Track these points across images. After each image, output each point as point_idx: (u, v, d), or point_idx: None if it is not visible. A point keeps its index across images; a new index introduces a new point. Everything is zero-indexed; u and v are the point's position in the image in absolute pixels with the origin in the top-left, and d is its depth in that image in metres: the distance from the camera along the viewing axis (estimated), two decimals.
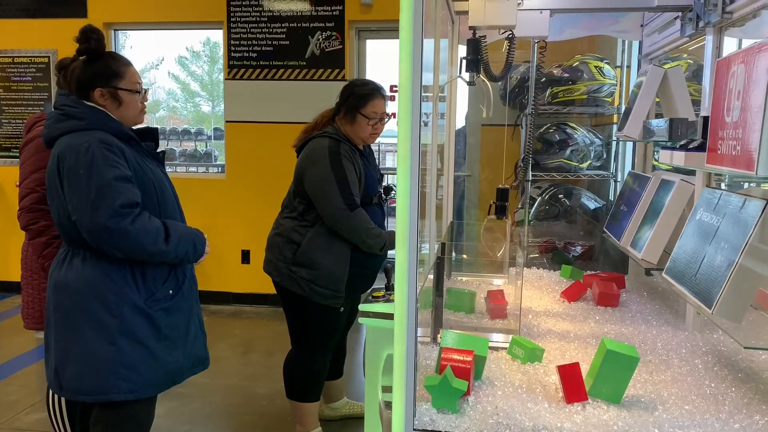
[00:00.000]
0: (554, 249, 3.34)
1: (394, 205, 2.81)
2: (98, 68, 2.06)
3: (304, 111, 4.29)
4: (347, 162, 2.65)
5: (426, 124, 2.08)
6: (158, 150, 2.24)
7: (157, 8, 4.74)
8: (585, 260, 3.25)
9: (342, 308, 2.35)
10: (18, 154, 5.10)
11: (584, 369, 1.48)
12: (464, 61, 1.86)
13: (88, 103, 2.05)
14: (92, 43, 2.05)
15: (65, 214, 2.01)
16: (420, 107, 1.19)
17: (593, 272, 2.55)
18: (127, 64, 2.12)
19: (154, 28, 5.01)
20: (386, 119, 2.85)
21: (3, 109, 5.12)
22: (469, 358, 1.43)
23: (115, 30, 5.02)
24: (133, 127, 2.16)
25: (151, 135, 2.23)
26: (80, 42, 2.06)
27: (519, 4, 1.80)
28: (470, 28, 1.89)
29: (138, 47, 5.47)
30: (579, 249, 3.32)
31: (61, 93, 2.19)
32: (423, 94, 1.23)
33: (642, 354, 1.70)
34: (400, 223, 1.19)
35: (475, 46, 1.85)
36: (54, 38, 4.89)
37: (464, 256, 3.15)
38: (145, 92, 2.16)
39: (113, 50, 2.66)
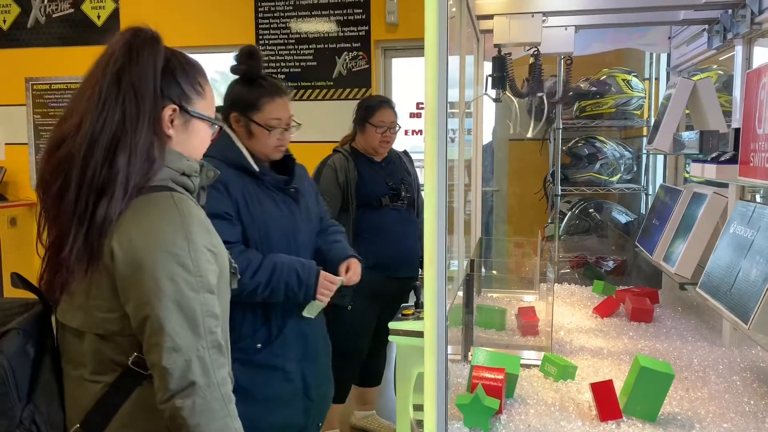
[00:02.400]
0: (586, 264, 3.30)
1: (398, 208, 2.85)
2: (240, 92, 1.94)
3: (332, 130, 4.32)
4: (329, 171, 2.81)
5: (453, 140, 2.09)
6: (291, 185, 1.99)
7: (189, 33, 4.84)
8: (617, 275, 3.20)
9: (349, 306, 2.18)
10: None
11: (618, 386, 1.46)
12: (490, 79, 1.87)
13: (225, 127, 1.93)
14: (244, 66, 1.93)
15: None
16: (446, 125, 1.20)
17: (626, 287, 2.52)
18: (271, 95, 1.92)
19: (186, 53, 5.10)
20: (396, 129, 2.94)
21: (41, 134, 5.27)
22: (500, 376, 1.42)
23: None
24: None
25: (285, 166, 2.02)
26: (237, 61, 1.95)
27: (544, 21, 1.81)
28: (495, 45, 1.89)
29: None
30: (611, 264, 3.28)
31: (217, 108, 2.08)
32: (449, 111, 1.23)
33: (677, 370, 1.67)
34: (428, 240, 1.20)
35: (500, 63, 1.86)
36: (89, 65, 5.03)
37: (494, 272, 3.14)
38: (285, 131, 1.94)
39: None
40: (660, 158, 3.35)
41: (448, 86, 1.23)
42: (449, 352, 1.90)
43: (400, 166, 3.02)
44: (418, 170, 3.16)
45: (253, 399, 1.80)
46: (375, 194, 2.87)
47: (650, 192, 3.59)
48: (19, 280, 1.29)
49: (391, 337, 1.78)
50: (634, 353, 1.83)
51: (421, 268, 3.12)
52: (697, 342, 1.94)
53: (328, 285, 1.90)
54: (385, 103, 2.95)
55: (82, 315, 1.18)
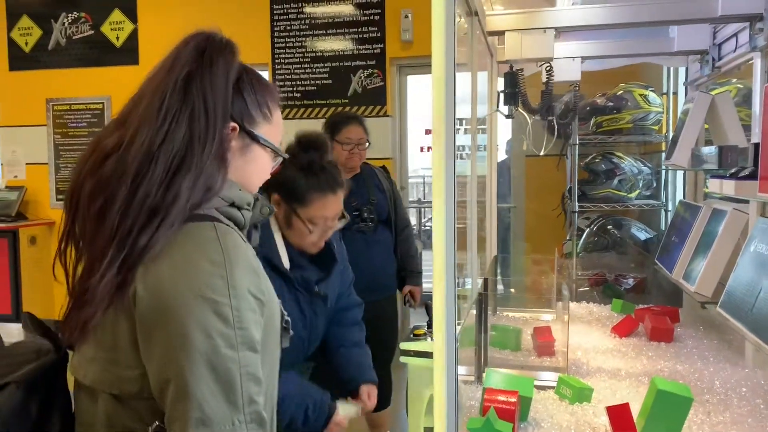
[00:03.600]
0: (604, 282, 3.24)
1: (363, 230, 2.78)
2: (290, 177, 1.71)
3: None
4: None
5: (463, 157, 2.06)
6: (321, 289, 1.80)
7: None
8: (637, 293, 3.13)
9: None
10: None
11: (636, 409, 1.41)
12: (502, 95, 1.84)
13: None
14: (308, 157, 1.72)
15: None
16: (454, 141, 1.18)
17: (645, 306, 2.46)
18: (323, 191, 1.70)
19: None
20: (366, 145, 2.89)
21: (60, 154, 5.34)
22: (513, 399, 1.39)
23: None
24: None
25: (327, 261, 1.81)
26: (300, 145, 1.75)
27: (556, 36, 1.79)
28: (507, 61, 1.87)
29: None
30: (631, 281, 3.21)
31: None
32: (461, 127, 1.21)
33: (698, 393, 1.61)
34: (437, 258, 1.17)
35: (512, 79, 1.84)
36: (108, 86, 5.09)
37: (512, 290, 3.09)
38: (328, 228, 1.75)
39: None
40: (680, 174, 3.29)
41: (458, 102, 1.22)
42: (462, 373, 1.87)
43: (370, 184, 2.95)
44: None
45: None
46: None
47: (670, 208, 3.53)
48: (30, 322, 1.10)
49: (402, 358, 1.75)
50: (653, 374, 1.78)
51: (401, 284, 3.10)
52: (719, 363, 1.88)
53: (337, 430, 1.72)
54: (353, 119, 2.89)
55: (96, 370, 0.98)
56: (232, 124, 1.04)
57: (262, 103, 1.10)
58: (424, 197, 10.14)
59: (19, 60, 5.30)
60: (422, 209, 9.08)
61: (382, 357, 2.99)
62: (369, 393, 1.86)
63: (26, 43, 5.28)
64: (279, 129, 1.15)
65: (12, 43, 5.29)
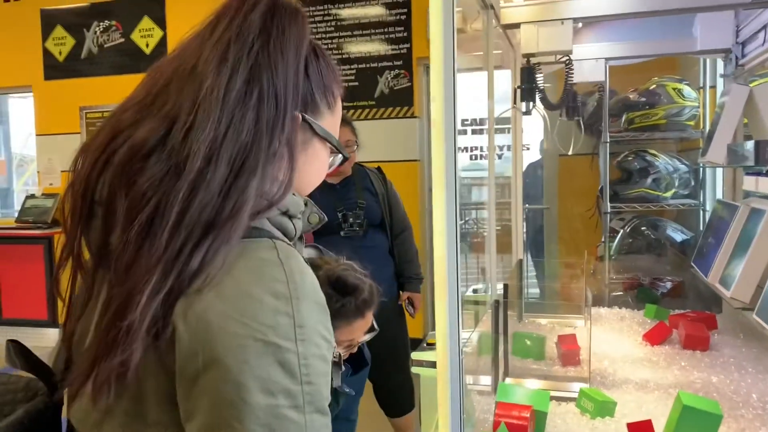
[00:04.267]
0: (639, 286, 3.10)
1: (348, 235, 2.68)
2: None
3: (375, 150, 4.28)
4: None
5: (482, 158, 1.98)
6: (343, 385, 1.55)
7: None
8: (674, 298, 2.99)
9: None
10: None
11: (662, 425, 1.31)
12: (518, 91, 1.76)
13: None
14: (343, 301, 1.47)
15: None
16: (455, 142, 1.11)
17: (681, 311, 2.33)
18: (348, 319, 1.48)
19: None
20: (354, 147, 2.80)
21: None
22: (526, 414, 1.30)
23: None
24: None
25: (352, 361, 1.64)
26: (335, 288, 1.46)
27: (576, 26, 1.69)
28: (524, 55, 1.79)
29: None
30: (668, 285, 3.06)
31: None
32: (479, 127, 1.14)
33: (733, 407, 1.50)
34: (437, 264, 1.10)
35: (529, 74, 1.75)
36: None
37: (528, 296, 2.98)
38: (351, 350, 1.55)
39: None
40: (718, 171, 3.13)
41: (476, 101, 1.14)
42: (480, 383, 1.78)
43: (360, 187, 2.86)
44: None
45: None
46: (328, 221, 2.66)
47: (708, 208, 3.37)
48: (16, 352, 0.87)
49: (413, 369, 1.67)
50: (685, 386, 1.67)
51: (401, 289, 2.99)
52: (758, 374, 1.74)
53: None
54: (341, 120, 2.80)
55: (113, 425, 0.74)
56: (296, 113, 0.82)
57: (328, 88, 0.88)
58: (460, 199, 10.04)
59: (53, 69, 5.41)
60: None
61: (397, 360, 2.90)
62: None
63: (60, 53, 5.39)
64: (339, 120, 0.94)
65: (47, 53, 5.41)
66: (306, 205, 0.92)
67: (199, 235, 0.71)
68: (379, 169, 3.04)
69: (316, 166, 0.90)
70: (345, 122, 2.78)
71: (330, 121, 0.90)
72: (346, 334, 1.49)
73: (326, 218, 1.02)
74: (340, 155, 0.94)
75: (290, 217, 0.85)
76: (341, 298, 1.46)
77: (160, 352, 0.70)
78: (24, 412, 0.82)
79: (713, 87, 3.23)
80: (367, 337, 1.55)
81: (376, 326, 1.55)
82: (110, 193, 0.74)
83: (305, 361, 0.70)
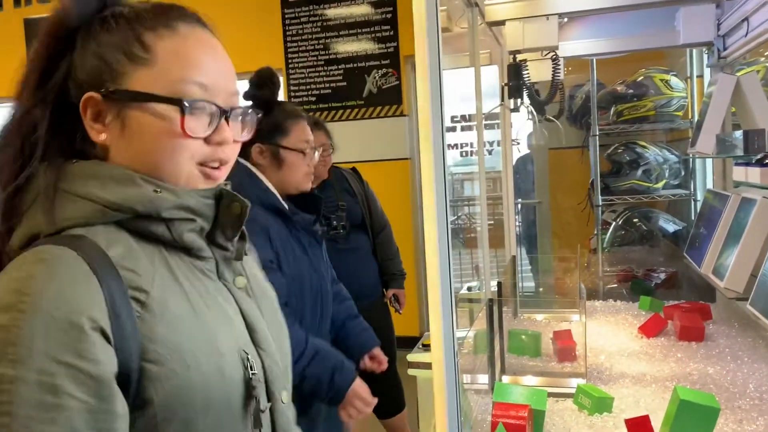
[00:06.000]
0: (633, 278, 3.10)
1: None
2: (262, 120, 1.67)
3: (365, 149, 4.28)
4: None
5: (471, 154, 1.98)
6: (317, 228, 1.80)
7: None
8: (668, 289, 2.99)
9: None
10: None
11: (660, 418, 1.30)
12: (506, 88, 1.75)
13: (242, 162, 1.69)
14: (266, 90, 1.73)
15: None
16: (443, 139, 1.10)
17: (676, 302, 2.33)
18: (297, 117, 1.76)
19: None
20: (330, 151, 2.74)
21: None
22: (523, 414, 1.29)
23: None
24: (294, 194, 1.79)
25: (314, 204, 1.82)
26: (253, 86, 1.73)
27: (561, 21, 1.69)
28: (510, 52, 1.78)
29: None
30: (661, 276, 3.07)
31: None
32: (469, 123, 1.13)
33: (730, 398, 1.49)
34: (430, 261, 1.09)
35: (515, 71, 1.74)
36: None
37: (541, 290, 2.97)
38: (313, 152, 1.78)
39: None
40: (709, 161, 3.14)
41: (464, 98, 1.13)
42: (477, 382, 1.78)
43: (339, 189, 2.83)
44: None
45: None
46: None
47: (699, 198, 3.38)
48: None
49: (409, 371, 1.67)
50: (681, 378, 1.67)
51: (385, 287, 3.00)
52: (754, 364, 1.74)
53: (359, 406, 1.66)
54: (315, 124, 2.65)
55: None
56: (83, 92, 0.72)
57: (124, 43, 0.73)
58: (453, 195, 10.05)
59: None
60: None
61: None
62: (376, 356, 1.89)
63: None
64: (177, 63, 0.74)
65: None
66: (222, 195, 0.77)
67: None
68: (354, 169, 3.02)
69: (150, 136, 0.73)
70: (318, 125, 2.68)
71: (293, 138, 0.80)
72: (301, 133, 1.71)
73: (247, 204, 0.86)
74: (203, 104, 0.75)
75: (151, 219, 0.72)
76: (261, 90, 1.69)
77: None
78: None
79: (700, 77, 3.24)
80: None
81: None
82: None
83: (8, 386, 0.59)
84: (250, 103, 1.70)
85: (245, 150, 1.68)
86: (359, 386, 1.66)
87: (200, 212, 0.76)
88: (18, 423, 0.58)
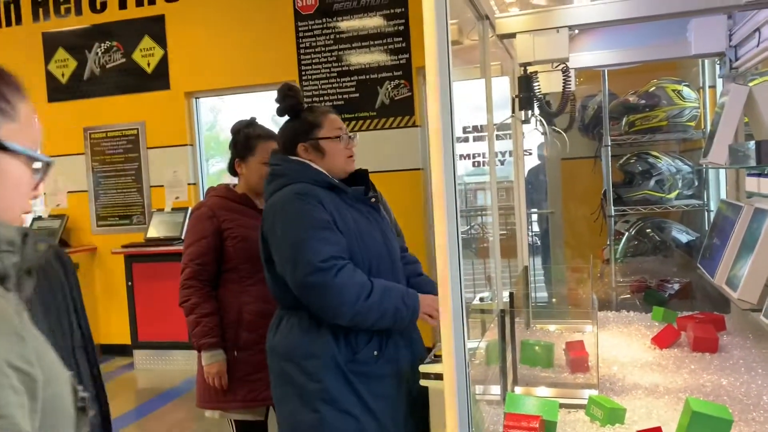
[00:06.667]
0: (646, 288, 3.09)
1: None
2: (296, 125, 2.00)
3: (377, 160, 4.29)
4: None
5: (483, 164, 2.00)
6: (370, 195, 2.03)
7: (233, 74, 4.94)
8: (681, 299, 2.98)
9: None
10: (115, 223, 5.48)
11: (672, 430, 1.30)
12: (517, 100, 1.76)
13: (293, 158, 1.97)
14: (289, 99, 2.01)
15: (273, 277, 1.94)
16: (453, 150, 1.11)
17: (689, 313, 2.32)
18: (325, 112, 2.04)
19: (231, 93, 5.24)
20: (352, 136, 2.74)
21: (100, 181, 5.45)
22: (535, 425, 1.29)
23: (195, 98, 5.26)
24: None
25: (362, 178, 2.06)
26: (278, 102, 2.02)
27: (572, 33, 1.70)
28: (521, 64, 1.79)
29: (230, 110, 5.82)
30: (675, 287, 3.05)
31: (273, 152, 2.11)
32: (481, 134, 1.14)
33: (743, 410, 1.49)
34: (440, 273, 1.10)
35: (526, 83, 1.75)
36: (142, 111, 5.21)
37: (555, 300, 2.96)
38: (350, 138, 2.05)
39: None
40: (722, 172, 3.13)
41: (476, 109, 1.15)
42: (490, 393, 1.78)
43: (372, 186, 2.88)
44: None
45: (376, 412, 1.86)
46: None
47: (712, 208, 3.36)
48: None
49: (422, 381, 1.67)
50: (695, 389, 1.66)
51: None
52: None
53: (433, 307, 1.88)
54: (328, 110, 2.75)
55: None
56: None
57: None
58: (466, 205, 10.05)
59: (56, 91, 5.45)
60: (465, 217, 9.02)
61: None
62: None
63: (63, 75, 5.43)
64: (31, 128, 0.87)
65: (50, 76, 5.45)
66: (26, 235, 0.82)
67: None
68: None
69: (8, 182, 0.82)
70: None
71: (13, 129, 0.85)
72: (333, 123, 2.00)
73: (55, 244, 1.04)
74: (42, 162, 0.87)
75: None
76: (285, 101, 2.01)
77: None
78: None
79: (712, 87, 3.24)
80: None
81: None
82: None
83: None
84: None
85: (293, 153, 1.98)
86: (423, 297, 1.93)
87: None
88: (9, 421, 0.69)
